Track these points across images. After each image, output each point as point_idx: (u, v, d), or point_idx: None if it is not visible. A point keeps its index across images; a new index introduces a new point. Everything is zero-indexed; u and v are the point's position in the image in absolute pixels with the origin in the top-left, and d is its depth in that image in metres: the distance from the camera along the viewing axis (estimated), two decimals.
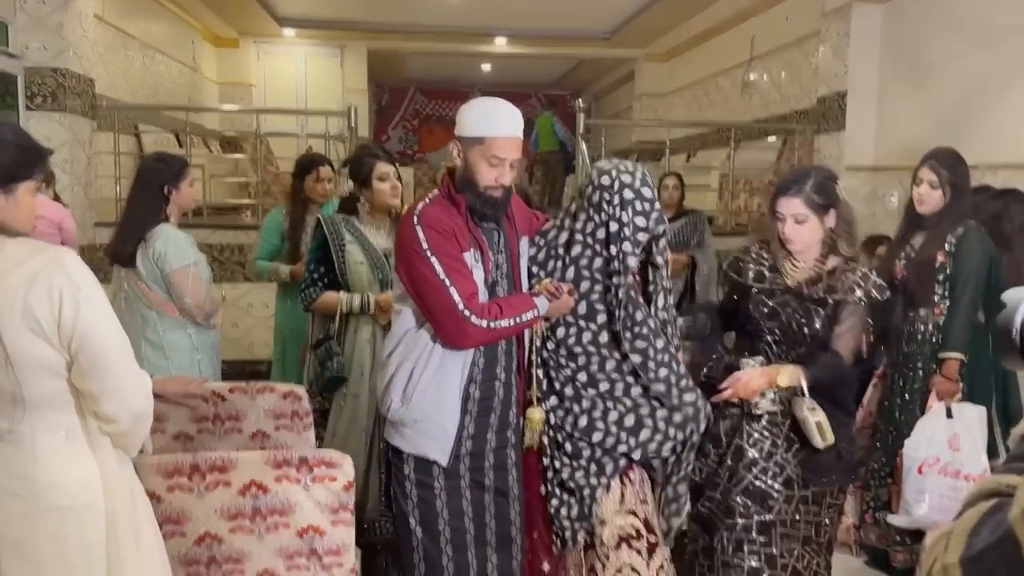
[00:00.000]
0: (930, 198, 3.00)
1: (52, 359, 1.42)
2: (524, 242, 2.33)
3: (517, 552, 2.29)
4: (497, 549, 2.25)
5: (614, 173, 2.22)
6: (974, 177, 4.37)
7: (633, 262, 2.19)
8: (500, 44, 10.35)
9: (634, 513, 2.23)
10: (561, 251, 2.28)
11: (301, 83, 10.28)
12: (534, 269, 2.32)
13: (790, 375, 2.24)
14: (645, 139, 9.60)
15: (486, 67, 12.51)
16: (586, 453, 2.23)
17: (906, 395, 3.05)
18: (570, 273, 2.25)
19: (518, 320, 2.14)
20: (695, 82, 9.06)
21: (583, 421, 2.22)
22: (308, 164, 3.88)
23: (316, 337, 2.94)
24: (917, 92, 5.29)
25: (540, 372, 2.29)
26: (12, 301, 1.37)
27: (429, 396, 2.13)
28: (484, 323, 2.08)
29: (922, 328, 3.04)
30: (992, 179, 4.36)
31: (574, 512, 2.24)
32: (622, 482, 2.25)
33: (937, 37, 5.06)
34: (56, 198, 4.30)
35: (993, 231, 3.19)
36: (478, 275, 2.15)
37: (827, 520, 2.34)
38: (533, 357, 2.31)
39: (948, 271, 2.96)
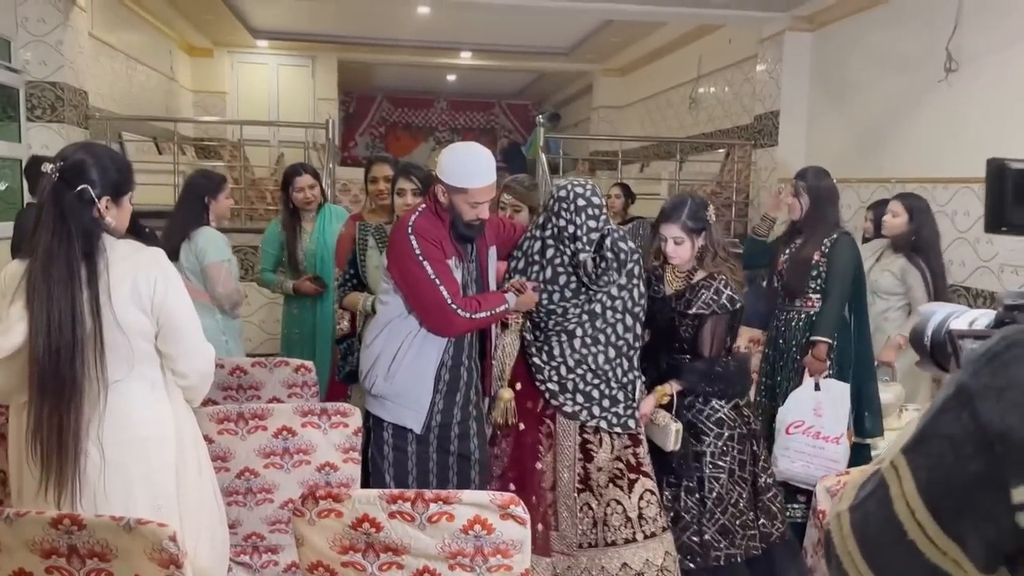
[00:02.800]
0: (795, 205, 3.60)
1: (146, 327, 1.90)
2: (492, 250, 2.80)
3: None
4: None
5: (569, 187, 2.73)
6: (888, 190, 4.99)
7: (585, 256, 2.68)
8: (465, 57, 10.85)
9: (619, 458, 2.75)
10: (537, 256, 2.78)
11: (273, 92, 10.68)
12: (516, 277, 2.78)
13: (670, 389, 2.84)
14: (601, 150, 10.18)
15: (451, 78, 13.01)
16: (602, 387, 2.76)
17: (781, 375, 3.59)
18: (548, 272, 2.74)
19: (493, 312, 2.58)
20: (648, 96, 9.67)
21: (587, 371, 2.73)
22: (287, 176, 4.15)
23: (340, 333, 3.32)
24: (841, 113, 5.92)
25: (536, 358, 2.76)
26: (122, 284, 1.86)
27: (410, 375, 2.55)
28: (467, 314, 2.50)
29: (795, 317, 3.58)
30: (901, 191, 5.00)
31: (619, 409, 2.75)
32: (611, 437, 2.76)
33: (858, 64, 5.70)
34: None
35: (914, 247, 3.83)
36: (457, 277, 2.58)
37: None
38: (496, 349, 2.80)
39: (821, 270, 3.53)
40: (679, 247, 2.83)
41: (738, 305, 2.82)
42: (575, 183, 2.77)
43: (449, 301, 2.48)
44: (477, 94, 14.36)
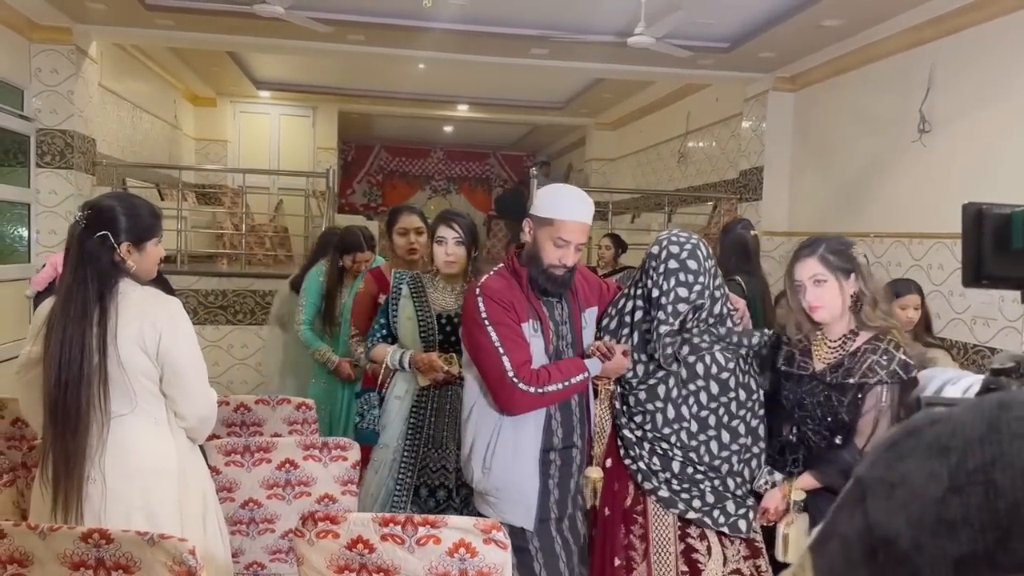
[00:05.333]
0: None
1: (149, 369, 2.03)
2: (590, 312, 2.43)
3: None
4: None
5: (664, 243, 2.28)
6: (868, 244, 5.19)
7: (665, 329, 2.24)
8: (462, 110, 11.15)
9: (739, 571, 2.29)
10: (628, 318, 2.36)
11: (274, 141, 10.93)
12: (606, 338, 2.38)
13: (802, 484, 2.22)
14: (595, 200, 10.43)
15: (448, 129, 13.31)
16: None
17: None
18: (635, 337, 2.33)
19: (568, 383, 2.22)
20: (640, 150, 9.94)
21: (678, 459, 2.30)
22: (348, 245, 3.98)
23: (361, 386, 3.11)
24: (822, 169, 6.16)
25: (627, 431, 2.34)
26: (129, 327, 1.99)
27: (506, 464, 2.23)
28: (532, 389, 2.17)
29: None
30: (880, 246, 5.22)
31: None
32: (722, 544, 2.30)
33: (838, 123, 5.95)
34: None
35: None
36: (537, 344, 2.27)
37: None
38: (596, 416, 2.42)
39: None
40: (821, 289, 2.16)
41: (913, 373, 2.09)
42: (673, 239, 2.30)
43: (510, 373, 2.17)
44: (473, 144, 14.66)
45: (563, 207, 2.25)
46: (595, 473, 2.37)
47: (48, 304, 2.03)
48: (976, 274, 1.01)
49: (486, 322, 2.21)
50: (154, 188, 8.28)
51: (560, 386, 2.21)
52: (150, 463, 2.05)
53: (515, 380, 2.17)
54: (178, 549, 1.54)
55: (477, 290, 2.27)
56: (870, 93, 5.53)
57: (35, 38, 5.85)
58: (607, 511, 2.37)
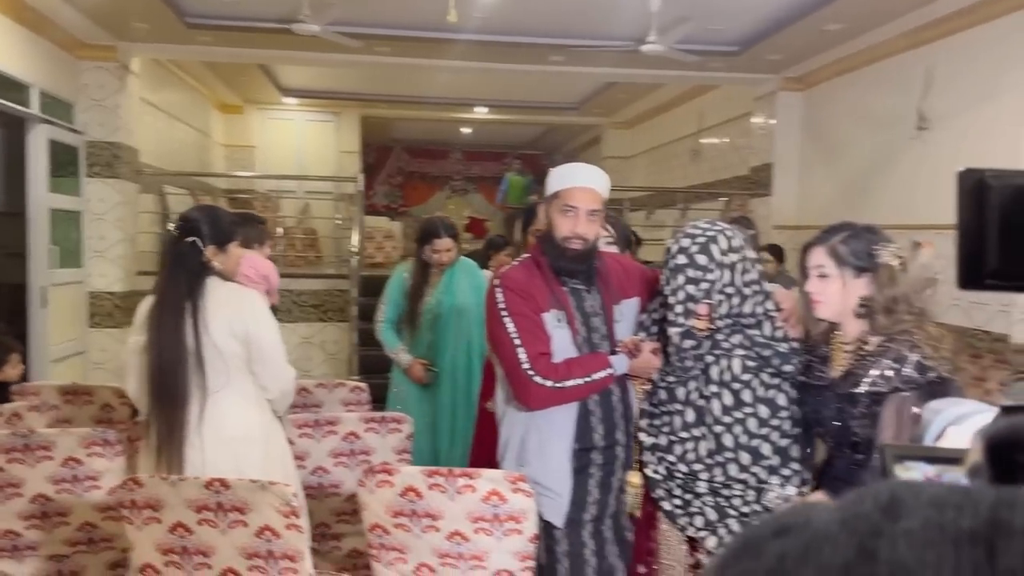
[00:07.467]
0: None
1: (239, 350, 2.38)
2: (628, 304, 2.29)
3: None
4: None
5: (679, 236, 2.07)
6: None
7: (676, 331, 2.02)
8: (480, 112, 11.49)
9: None
10: (656, 315, 2.22)
11: (299, 145, 11.29)
12: (642, 335, 2.24)
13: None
14: (611, 198, 10.75)
15: (466, 130, 13.65)
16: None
17: None
18: (662, 337, 2.16)
19: (589, 379, 2.11)
20: (653, 148, 10.24)
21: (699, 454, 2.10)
22: (426, 233, 3.71)
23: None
24: (829, 164, 6.45)
25: (642, 434, 2.21)
26: (219, 317, 2.34)
27: (537, 458, 2.18)
28: (548, 383, 2.08)
29: None
30: None
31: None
32: None
33: (843, 121, 6.24)
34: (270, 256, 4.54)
35: None
36: (562, 335, 2.16)
37: None
38: (633, 420, 2.27)
39: None
40: (823, 283, 1.93)
41: (932, 375, 1.79)
42: (689, 231, 2.06)
43: (525, 366, 2.10)
44: (491, 145, 14.99)
45: (566, 176, 2.22)
46: (635, 478, 2.23)
47: (148, 301, 2.39)
48: (976, 272, 0.65)
49: (503, 313, 2.16)
50: (189, 194, 8.67)
51: (581, 381, 2.11)
52: (240, 431, 2.40)
53: (530, 373, 2.10)
54: (284, 492, 1.88)
55: (496, 281, 2.24)
56: (873, 92, 5.82)
57: (82, 56, 6.23)
58: (637, 514, 2.26)
